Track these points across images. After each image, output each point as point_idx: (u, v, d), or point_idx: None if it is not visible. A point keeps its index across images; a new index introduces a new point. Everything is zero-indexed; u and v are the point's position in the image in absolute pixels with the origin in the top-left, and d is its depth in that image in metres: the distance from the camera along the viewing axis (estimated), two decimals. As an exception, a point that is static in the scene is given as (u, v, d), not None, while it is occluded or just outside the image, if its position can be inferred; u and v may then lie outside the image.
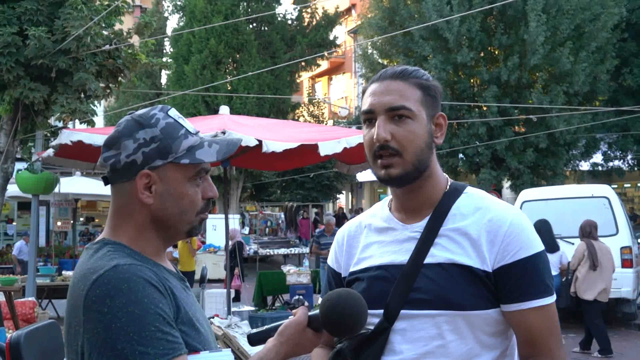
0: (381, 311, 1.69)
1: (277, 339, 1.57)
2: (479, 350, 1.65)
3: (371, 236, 1.82)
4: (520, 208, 10.86)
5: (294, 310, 1.64)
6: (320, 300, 1.94)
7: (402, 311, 1.66)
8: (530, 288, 1.63)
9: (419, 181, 1.72)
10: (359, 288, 1.75)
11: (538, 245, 1.67)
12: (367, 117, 1.74)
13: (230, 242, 13.43)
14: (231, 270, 13.54)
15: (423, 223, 1.72)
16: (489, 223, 1.67)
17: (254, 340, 1.65)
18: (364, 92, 1.80)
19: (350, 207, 32.69)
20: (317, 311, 1.60)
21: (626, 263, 10.70)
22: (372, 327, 1.69)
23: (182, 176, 1.51)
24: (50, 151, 7.78)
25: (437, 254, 1.67)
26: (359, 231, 1.87)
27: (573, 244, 10.10)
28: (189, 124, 1.55)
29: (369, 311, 1.64)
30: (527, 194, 11.88)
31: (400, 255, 1.72)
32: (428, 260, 1.67)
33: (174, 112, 1.55)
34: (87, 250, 1.51)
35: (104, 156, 1.52)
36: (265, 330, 1.63)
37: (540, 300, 1.64)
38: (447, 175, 1.82)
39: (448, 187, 1.78)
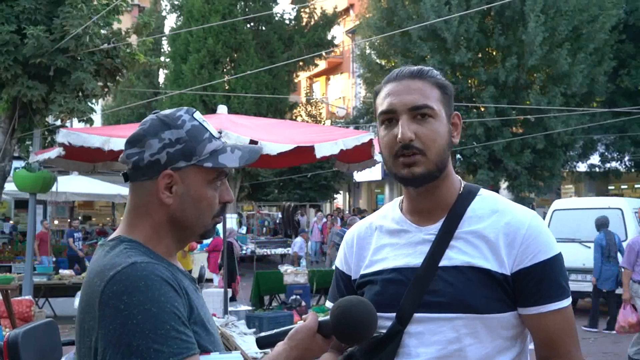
0: (394, 314, 1.66)
1: (287, 343, 1.56)
2: (496, 353, 1.63)
3: (383, 238, 1.78)
4: (551, 216, 12.61)
5: (304, 316, 1.62)
6: (327, 302, 1.92)
7: (416, 314, 1.64)
8: (549, 291, 1.62)
9: (436, 181, 1.69)
10: (372, 291, 1.72)
11: (555, 248, 1.66)
12: (387, 117, 1.68)
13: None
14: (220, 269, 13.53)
15: (438, 225, 1.69)
16: (506, 226, 1.65)
17: (262, 343, 1.64)
18: (376, 93, 1.75)
19: (348, 207, 32.66)
20: (327, 317, 1.59)
21: None
22: (384, 331, 1.66)
23: (203, 179, 1.51)
24: (60, 150, 7.73)
25: (453, 257, 1.64)
26: (369, 233, 1.82)
27: (590, 247, 11.29)
28: (212, 128, 1.56)
29: (382, 314, 1.62)
30: (558, 203, 13.33)
31: (415, 257, 1.68)
32: (444, 263, 1.64)
33: (198, 115, 1.55)
34: (102, 247, 1.50)
35: (127, 153, 1.51)
36: (275, 334, 1.62)
37: (558, 303, 1.62)
38: (459, 177, 1.79)
39: (462, 189, 1.74)
